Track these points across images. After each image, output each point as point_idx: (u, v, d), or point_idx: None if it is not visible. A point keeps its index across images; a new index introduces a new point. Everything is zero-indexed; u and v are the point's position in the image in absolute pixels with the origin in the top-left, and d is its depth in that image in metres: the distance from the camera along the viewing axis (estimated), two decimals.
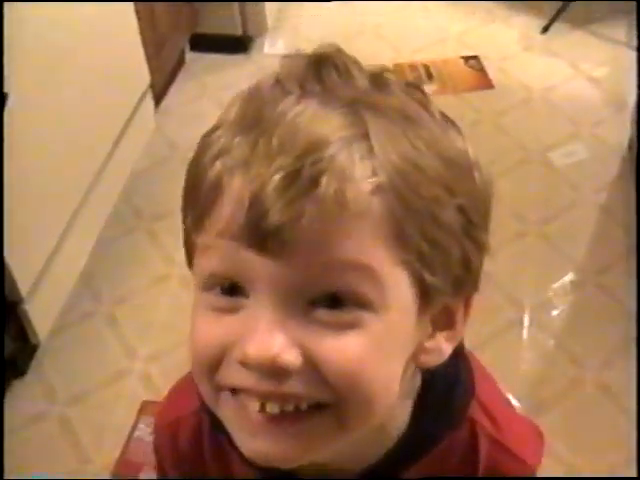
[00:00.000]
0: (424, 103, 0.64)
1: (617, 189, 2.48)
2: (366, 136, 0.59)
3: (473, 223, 0.63)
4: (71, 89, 2.08)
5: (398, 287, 0.61)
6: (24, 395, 2.07)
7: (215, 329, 0.62)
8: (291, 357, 0.59)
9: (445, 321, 0.67)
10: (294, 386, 0.60)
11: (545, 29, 3.13)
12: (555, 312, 2.15)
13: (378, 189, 0.58)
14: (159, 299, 2.25)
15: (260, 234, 0.57)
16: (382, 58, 3.06)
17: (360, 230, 0.58)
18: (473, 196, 0.63)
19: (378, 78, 0.64)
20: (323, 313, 0.60)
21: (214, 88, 2.89)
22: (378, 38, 3.16)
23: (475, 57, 3.08)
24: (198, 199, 0.62)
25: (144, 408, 2.00)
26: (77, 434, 1.96)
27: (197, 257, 0.64)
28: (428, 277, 0.61)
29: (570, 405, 1.96)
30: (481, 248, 0.65)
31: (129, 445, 1.94)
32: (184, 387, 0.85)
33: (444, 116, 0.65)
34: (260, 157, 0.58)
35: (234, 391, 0.64)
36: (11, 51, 1.79)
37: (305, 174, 0.56)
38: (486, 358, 0.88)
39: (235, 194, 0.59)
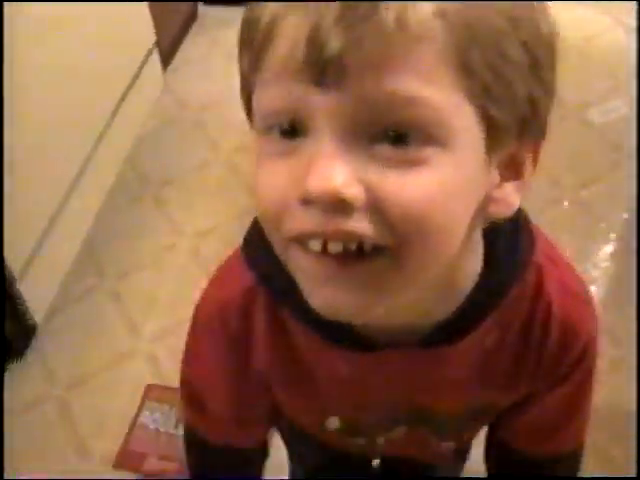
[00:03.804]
0: None
1: None
2: None
3: (539, 62, 0.60)
4: (69, 46, 1.92)
5: (464, 121, 0.58)
6: (23, 378, 1.94)
7: (276, 175, 0.61)
8: (354, 191, 0.57)
9: (512, 170, 0.65)
10: (356, 224, 0.58)
11: None
12: (594, 287, 1.98)
13: (441, 13, 0.56)
14: (165, 272, 2.10)
15: (320, 64, 0.56)
16: None
17: (424, 56, 0.56)
18: (538, 35, 0.60)
19: None
20: (386, 149, 0.57)
21: (227, 44, 2.72)
22: None
23: None
24: (254, 39, 0.60)
25: (149, 392, 1.87)
26: (76, 421, 1.83)
27: (256, 97, 0.62)
28: (494, 111, 0.59)
29: None
30: (548, 90, 0.62)
31: (132, 433, 1.80)
32: (228, 269, 0.85)
33: None
34: None
35: (301, 242, 0.62)
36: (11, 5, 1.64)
37: (364, 3, 0.55)
38: None
39: (292, 29, 0.57)
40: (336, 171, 0.57)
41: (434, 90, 0.56)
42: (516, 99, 0.60)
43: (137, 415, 1.83)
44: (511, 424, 0.93)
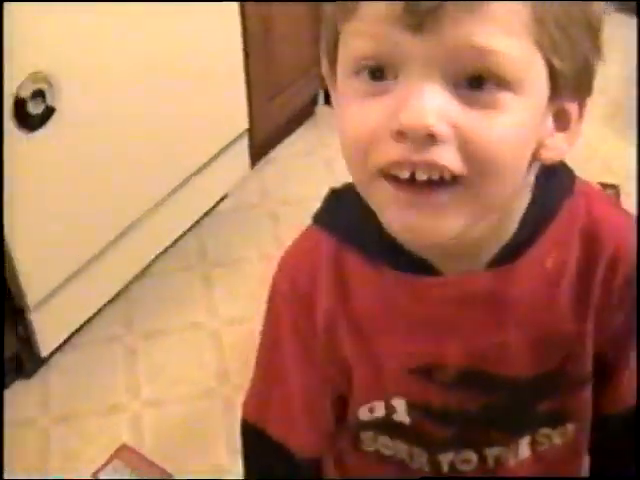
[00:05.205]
0: None
1: None
2: None
3: (593, 26, 0.72)
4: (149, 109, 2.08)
5: (535, 71, 0.70)
6: (21, 396, 2.08)
7: (367, 112, 0.70)
8: (443, 127, 0.67)
9: (561, 122, 0.76)
10: (441, 155, 0.68)
11: None
12: None
13: None
14: (184, 348, 2.19)
15: (417, 14, 0.65)
16: None
17: (508, 16, 0.66)
18: (591, 7, 0.72)
19: None
20: (468, 93, 0.68)
21: (335, 148, 2.75)
22: None
23: (615, 187, 2.84)
24: None
25: (120, 451, 1.95)
26: (50, 455, 1.95)
27: (345, 44, 0.72)
28: (558, 64, 0.70)
29: None
30: (598, 51, 0.74)
31: None
32: (295, 242, 0.94)
33: None
34: None
35: (388, 174, 0.71)
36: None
37: None
38: None
39: None
40: (427, 109, 0.67)
41: (512, 43, 0.67)
42: (575, 55, 0.71)
43: (100, 468, 1.91)
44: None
